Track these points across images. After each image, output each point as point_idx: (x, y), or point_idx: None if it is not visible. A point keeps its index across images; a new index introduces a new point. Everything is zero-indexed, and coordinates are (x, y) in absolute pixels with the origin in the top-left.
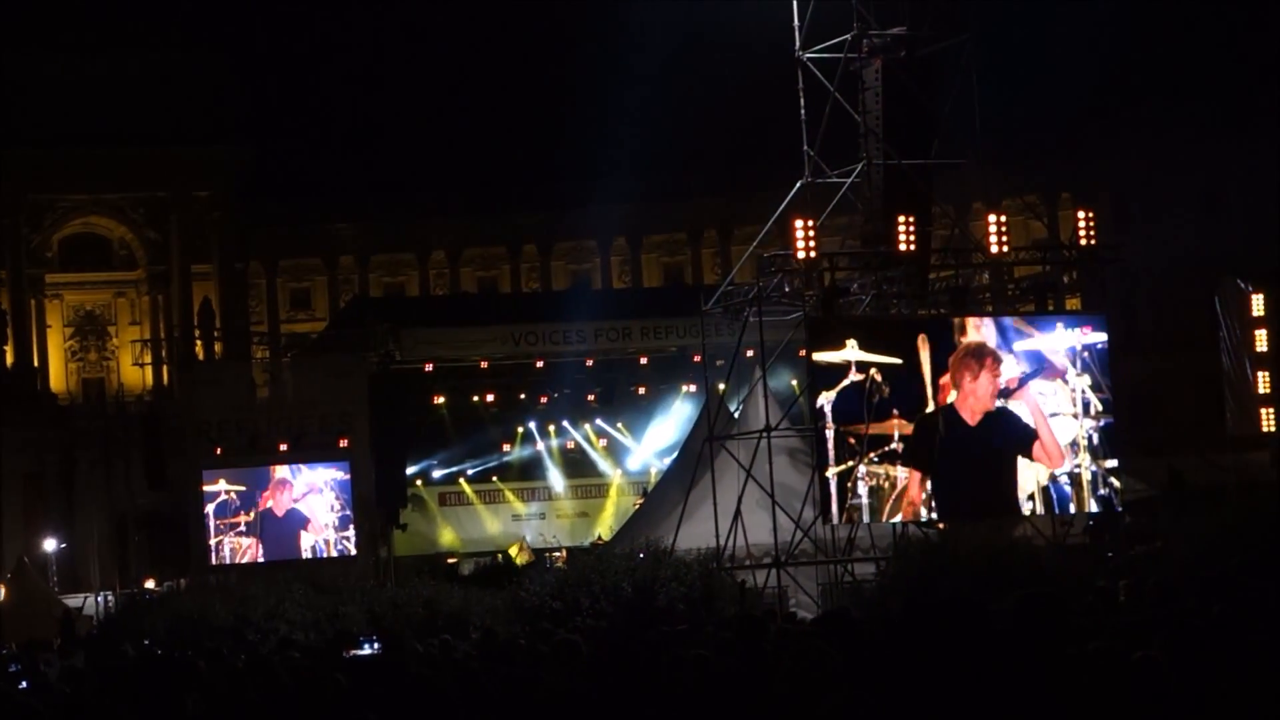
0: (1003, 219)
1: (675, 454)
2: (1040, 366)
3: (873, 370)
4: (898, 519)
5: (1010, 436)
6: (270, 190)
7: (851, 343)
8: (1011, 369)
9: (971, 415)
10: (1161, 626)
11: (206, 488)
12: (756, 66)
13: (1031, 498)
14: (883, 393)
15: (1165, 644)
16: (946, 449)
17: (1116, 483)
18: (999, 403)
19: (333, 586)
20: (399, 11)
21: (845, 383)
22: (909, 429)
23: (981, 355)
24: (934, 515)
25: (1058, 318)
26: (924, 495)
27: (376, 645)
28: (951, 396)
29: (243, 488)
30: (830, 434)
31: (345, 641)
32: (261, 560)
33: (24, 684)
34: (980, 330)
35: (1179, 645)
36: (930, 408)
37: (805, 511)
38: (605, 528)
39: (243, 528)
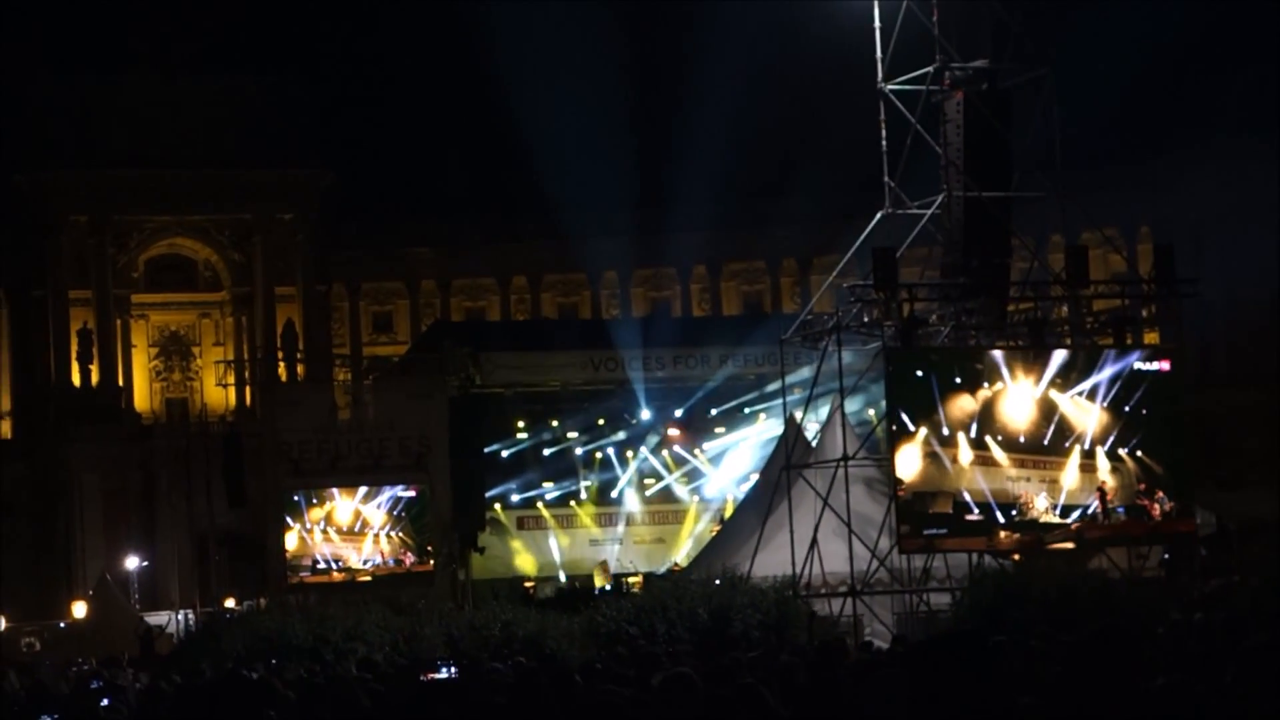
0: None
1: (752, 481)
2: None
3: None
4: None
5: None
6: (353, 214)
7: None
8: None
9: None
10: (1232, 661)
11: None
12: (839, 97)
13: None
14: None
15: (1236, 678)
16: None
17: None
18: None
19: (410, 608)
20: (480, 38)
21: None
22: None
23: None
24: None
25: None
26: None
27: (453, 669)
28: None
29: None
30: None
31: (422, 665)
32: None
33: (105, 701)
34: None
35: (1249, 679)
36: None
37: (881, 541)
38: (682, 554)
39: None
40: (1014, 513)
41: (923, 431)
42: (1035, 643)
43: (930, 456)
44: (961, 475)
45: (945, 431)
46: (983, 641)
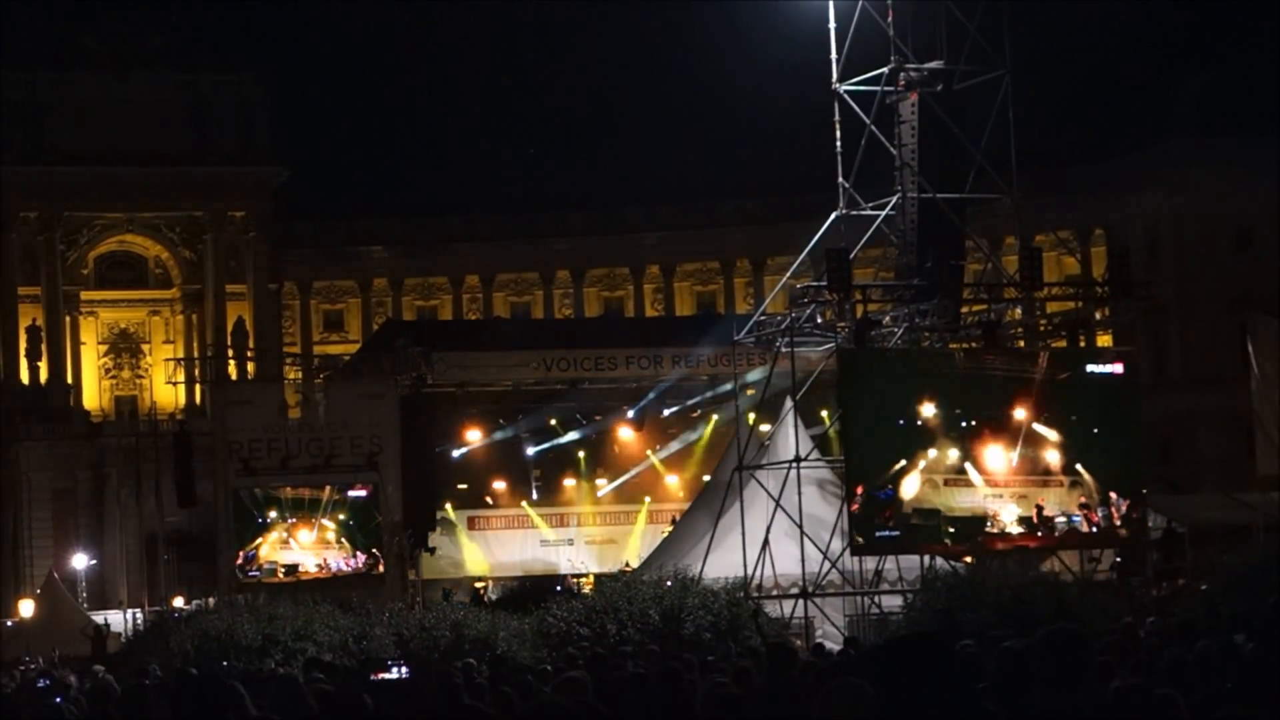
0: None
1: (704, 482)
2: None
3: None
4: None
5: None
6: (305, 212)
7: None
8: None
9: None
10: (1184, 663)
11: None
12: (793, 98)
13: None
14: None
15: (1188, 680)
16: None
17: None
18: None
19: (360, 608)
20: (436, 39)
21: None
22: None
23: None
24: None
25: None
26: None
27: (404, 669)
28: None
29: None
30: None
31: (373, 665)
32: None
33: (59, 699)
34: None
35: (1201, 682)
36: None
37: (833, 542)
38: (633, 555)
39: None
40: (987, 525)
41: (921, 462)
42: (987, 646)
43: (929, 483)
44: (947, 495)
45: (935, 459)
46: (943, 645)
